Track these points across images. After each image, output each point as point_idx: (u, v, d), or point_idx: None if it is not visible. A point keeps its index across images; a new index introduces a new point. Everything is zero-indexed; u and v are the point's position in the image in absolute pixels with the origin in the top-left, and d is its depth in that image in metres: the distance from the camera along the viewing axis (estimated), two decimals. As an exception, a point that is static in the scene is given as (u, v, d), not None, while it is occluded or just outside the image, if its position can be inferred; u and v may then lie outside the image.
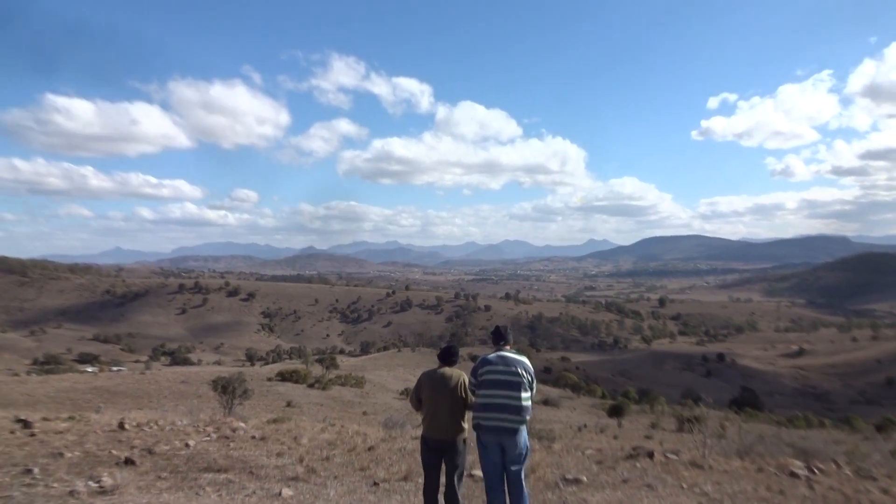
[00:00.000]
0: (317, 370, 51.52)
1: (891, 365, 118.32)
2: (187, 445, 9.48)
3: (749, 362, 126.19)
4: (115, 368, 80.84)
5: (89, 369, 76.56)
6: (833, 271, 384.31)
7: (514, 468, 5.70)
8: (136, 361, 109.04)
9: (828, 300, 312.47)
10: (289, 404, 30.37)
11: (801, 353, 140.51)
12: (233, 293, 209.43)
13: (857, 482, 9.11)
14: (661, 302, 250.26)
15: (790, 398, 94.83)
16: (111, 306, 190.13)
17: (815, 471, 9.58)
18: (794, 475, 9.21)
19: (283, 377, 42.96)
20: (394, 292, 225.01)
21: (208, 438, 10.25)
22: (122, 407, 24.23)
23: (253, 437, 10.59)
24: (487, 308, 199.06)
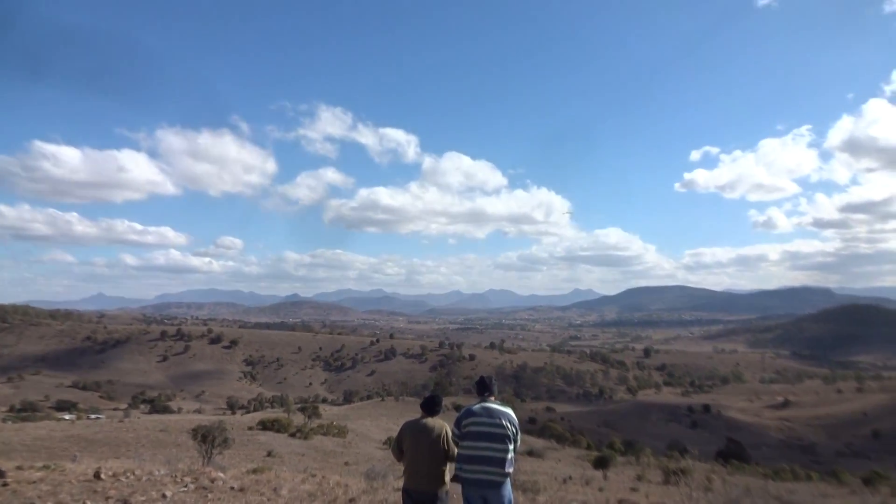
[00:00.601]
0: (298, 419, 50.76)
1: (876, 417, 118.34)
2: (164, 496, 9.27)
3: (734, 414, 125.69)
4: (92, 416, 79.41)
5: (66, 417, 75.14)
6: (816, 322, 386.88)
7: None
8: (115, 409, 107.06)
9: (812, 351, 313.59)
10: (269, 454, 29.79)
11: (786, 404, 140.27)
12: (215, 340, 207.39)
13: (843, 536, 9.05)
14: (647, 352, 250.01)
15: (776, 450, 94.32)
16: (91, 353, 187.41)
17: (801, 524, 9.52)
18: (779, 529, 9.15)
19: (265, 426, 42.25)
20: (378, 340, 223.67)
21: (186, 489, 10.03)
22: (98, 456, 23.70)
23: (232, 488, 10.37)
24: (472, 357, 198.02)
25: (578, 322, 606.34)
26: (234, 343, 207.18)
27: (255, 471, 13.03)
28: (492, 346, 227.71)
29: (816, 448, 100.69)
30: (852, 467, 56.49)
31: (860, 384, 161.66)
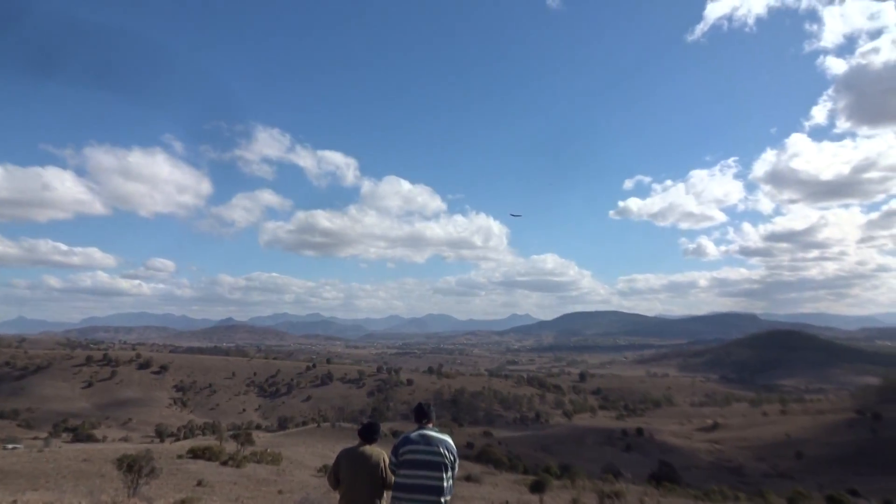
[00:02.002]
0: (231, 447, 49.32)
1: (799, 439, 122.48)
2: (86, 529, 8.85)
3: (666, 436, 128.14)
4: (9, 446, 75.35)
5: (-19, 447, 71.25)
6: (743, 347, 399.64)
7: None
8: (35, 438, 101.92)
9: (739, 375, 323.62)
10: (199, 483, 28.75)
11: (715, 427, 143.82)
12: (144, 366, 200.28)
13: (770, 556, 9.29)
14: (582, 376, 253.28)
15: (706, 472, 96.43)
16: (10, 379, 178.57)
17: (730, 545, 9.72)
18: (710, 550, 9.32)
19: (195, 454, 40.82)
20: (314, 365, 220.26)
21: (109, 521, 9.60)
22: (15, 488, 22.49)
23: (159, 520, 9.99)
24: (410, 382, 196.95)
25: (516, 346, 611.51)
26: (164, 368, 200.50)
27: (183, 501, 12.60)
28: (430, 370, 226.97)
29: (744, 469, 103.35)
30: (777, 487, 58.26)
31: (784, 407, 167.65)
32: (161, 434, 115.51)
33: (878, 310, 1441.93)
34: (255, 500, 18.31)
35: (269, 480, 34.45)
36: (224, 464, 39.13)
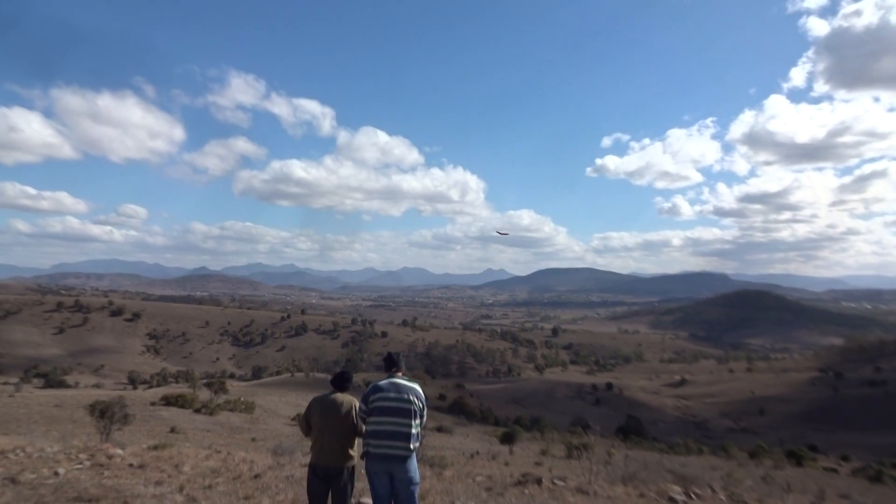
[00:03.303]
0: (204, 395, 49.48)
1: (763, 396, 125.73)
2: (56, 474, 8.85)
3: (635, 392, 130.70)
4: (-21, 391, 74.98)
5: (-50, 392, 70.69)
6: (713, 306, 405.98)
7: (406, 496, 5.61)
8: (5, 383, 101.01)
9: (708, 333, 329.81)
10: (172, 430, 28.91)
11: (683, 383, 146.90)
12: (116, 313, 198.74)
13: (730, 506, 9.58)
14: (555, 332, 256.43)
15: (672, 426, 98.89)
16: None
17: (693, 496, 10.00)
18: (672, 500, 9.59)
19: (168, 402, 40.91)
20: (289, 316, 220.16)
21: (80, 466, 9.60)
22: (-15, 432, 22.42)
23: (130, 465, 10.00)
24: (384, 334, 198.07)
25: (490, 301, 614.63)
26: (136, 316, 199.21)
27: (156, 447, 12.61)
28: (404, 323, 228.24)
29: (709, 424, 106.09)
30: (740, 442, 59.88)
31: (750, 365, 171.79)
32: (134, 381, 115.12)
33: (845, 272, 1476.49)
34: (228, 447, 18.45)
35: (242, 428, 34.70)
36: (197, 411, 39.29)
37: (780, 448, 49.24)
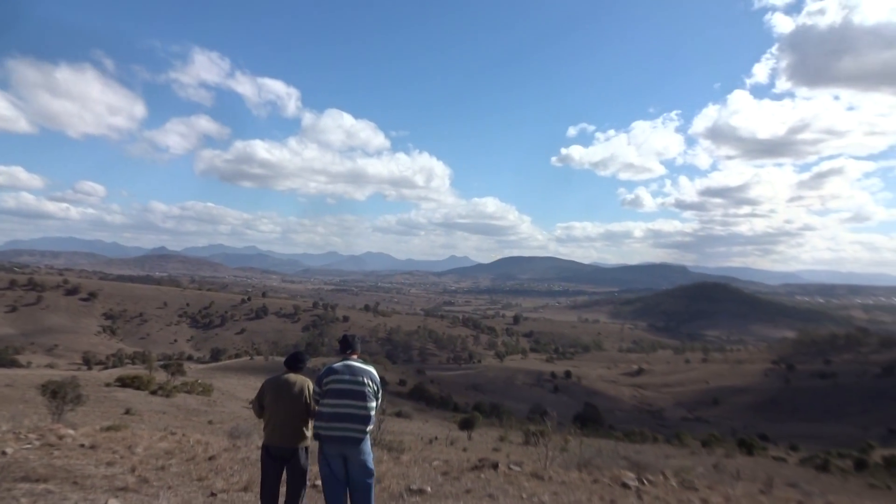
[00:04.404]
0: (161, 376, 48.81)
1: (717, 386, 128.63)
2: (3, 453, 8.65)
3: (593, 380, 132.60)
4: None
5: None
6: (672, 298, 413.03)
7: (360, 479, 5.59)
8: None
9: (666, 324, 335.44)
10: (127, 412, 28.45)
11: (640, 372, 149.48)
12: (72, 292, 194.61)
13: (681, 493, 9.81)
14: (516, 319, 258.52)
15: (629, 414, 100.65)
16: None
17: (645, 482, 10.20)
18: (625, 486, 9.77)
19: (124, 383, 40.24)
20: (249, 299, 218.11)
21: (29, 446, 9.39)
22: (-69, 411, 21.81)
23: (82, 446, 9.82)
24: (346, 319, 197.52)
25: (453, 288, 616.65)
26: (93, 295, 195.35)
27: (109, 428, 12.42)
28: (366, 308, 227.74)
29: (664, 413, 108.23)
30: (694, 431, 61.22)
31: (706, 356, 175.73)
32: (89, 362, 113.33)
33: (800, 267, 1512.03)
34: (184, 429, 18.24)
35: (199, 411, 34.33)
36: (153, 393, 38.74)
37: (732, 437, 50.48)
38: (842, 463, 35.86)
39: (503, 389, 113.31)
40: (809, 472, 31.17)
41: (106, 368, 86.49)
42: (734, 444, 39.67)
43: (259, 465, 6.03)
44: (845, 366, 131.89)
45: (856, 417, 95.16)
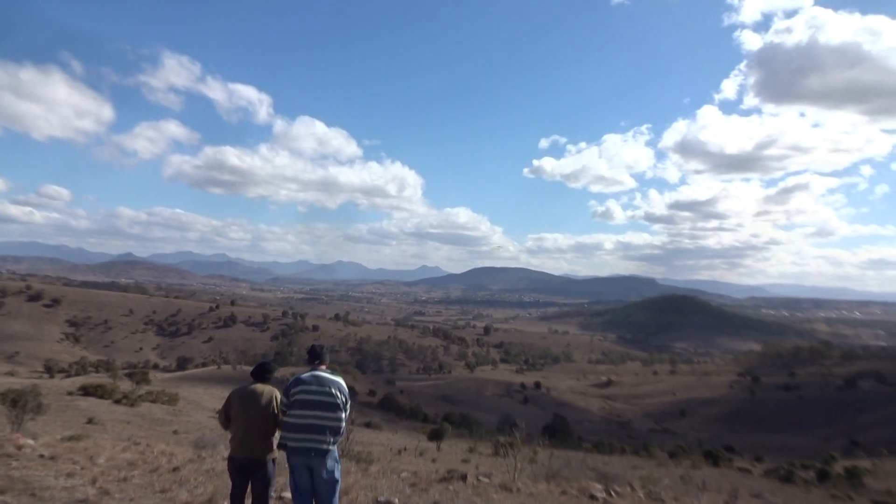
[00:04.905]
0: (126, 385, 47.96)
1: (684, 397, 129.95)
2: (-41, 464, 8.41)
3: (563, 391, 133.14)
4: None
5: None
6: (641, 310, 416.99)
7: (326, 491, 5.54)
8: None
9: (635, 336, 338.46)
10: (90, 421, 27.86)
11: (609, 383, 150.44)
12: (34, 298, 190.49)
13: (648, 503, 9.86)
14: (486, 330, 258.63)
15: (598, 425, 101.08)
16: None
17: (613, 493, 10.25)
18: (593, 497, 9.81)
19: (87, 391, 39.39)
20: (217, 307, 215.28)
21: (-14, 457, 9.15)
22: None
23: (41, 456, 9.58)
24: (315, 328, 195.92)
25: (424, 298, 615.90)
26: (56, 302, 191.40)
27: (70, 438, 12.16)
28: (336, 317, 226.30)
29: (632, 424, 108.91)
30: (662, 442, 61.69)
31: (673, 367, 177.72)
32: (51, 370, 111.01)
33: (766, 280, 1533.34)
34: (148, 439, 17.91)
35: (164, 420, 33.77)
36: (117, 402, 37.98)
37: (698, 448, 50.98)
38: (805, 474, 36.37)
39: (473, 400, 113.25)
40: (773, 483, 31.56)
41: (68, 377, 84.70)
42: (700, 456, 40.04)
43: (225, 477, 5.95)
44: (809, 378, 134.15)
45: (819, 429, 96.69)
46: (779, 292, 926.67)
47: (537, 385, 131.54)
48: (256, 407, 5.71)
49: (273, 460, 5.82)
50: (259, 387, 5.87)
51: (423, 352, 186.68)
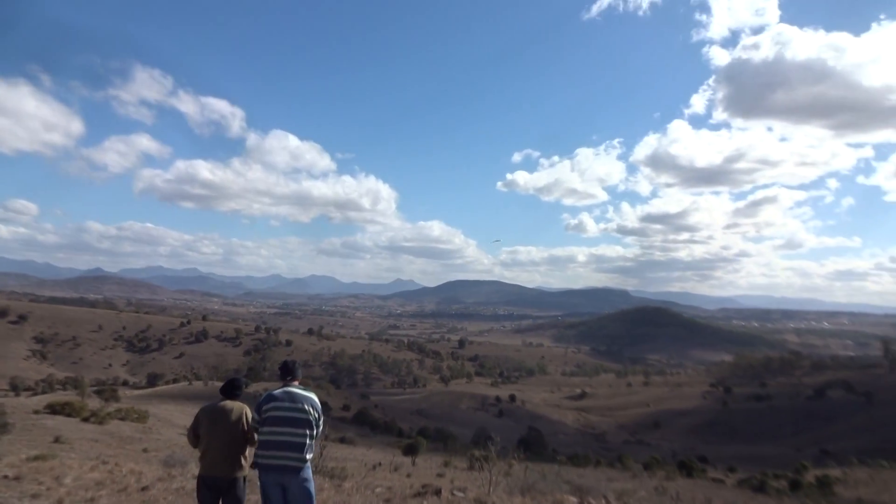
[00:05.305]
0: (94, 403, 47.04)
1: (658, 409, 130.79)
2: (-81, 486, 8.17)
3: (537, 404, 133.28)
4: None
5: None
6: (614, 322, 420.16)
7: None
8: None
9: (609, 348, 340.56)
10: (57, 440, 27.21)
11: (583, 395, 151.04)
12: (0, 314, 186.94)
13: (623, 516, 9.88)
14: (461, 343, 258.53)
15: (572, 438, 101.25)
16: None
17: (588, 506, 10.25)
18: (568, 511, 9.79)
19: (54, 409, 38.53)
20: (189, 322, 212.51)
21: (-52, 478, 8.90)
22: None
23: (5, 477, 9.34)
24: (289, 343, 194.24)
25: (398, 311, 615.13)
26: (22, 318, 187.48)
27: (36, 458, 11.88)
28: (310, 332, 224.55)
29: (607, 436, 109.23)
30: (636, 454, 61.89)
31: (647, 379, 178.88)
32: (16, 387, 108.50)
33: (736, 292, 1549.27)
34: (117, 458, 17.55)
35: (133, 438, 33.10)
36: (85, 420, 37.20)
37: (672, 460, 51.26)
38: (777, 484, 36.68)
39: (448, 414, 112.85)
40: (746, 493, 31.78)
41: (35, 394, 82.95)
42: (674, 467, 40.20)
43: (195, 495, 5.83)
44: (779, 388, 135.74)
45: (790, 438, 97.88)
46: (749, 304, 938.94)
47: (512, 398, 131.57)
48: (226, 424, 5.62)
49: (244, 479, 5.73)
50: (229, 404, 5.78)
51: (397, 366, 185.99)
